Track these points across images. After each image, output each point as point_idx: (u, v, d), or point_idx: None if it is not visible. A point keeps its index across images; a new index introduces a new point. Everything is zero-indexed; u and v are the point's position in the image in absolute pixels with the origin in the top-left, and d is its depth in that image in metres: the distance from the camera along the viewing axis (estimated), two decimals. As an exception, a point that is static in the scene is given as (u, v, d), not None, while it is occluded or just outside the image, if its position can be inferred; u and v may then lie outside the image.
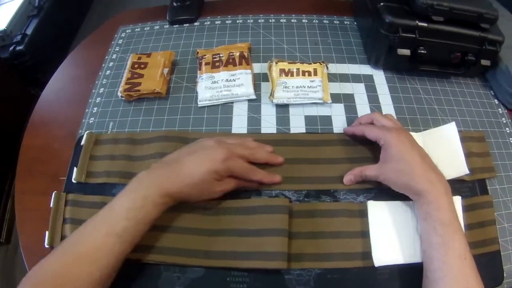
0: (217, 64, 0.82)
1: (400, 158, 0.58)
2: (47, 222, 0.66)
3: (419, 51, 0.76)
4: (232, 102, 0.79)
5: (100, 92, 0.86)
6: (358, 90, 0.80)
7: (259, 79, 0.82)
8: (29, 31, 2.09)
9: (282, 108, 0.77)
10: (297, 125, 0.74)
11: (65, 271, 0.49)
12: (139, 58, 0.87)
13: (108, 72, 0.90)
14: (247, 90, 0.78)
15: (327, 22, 0.95)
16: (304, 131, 0.74)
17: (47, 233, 0.65)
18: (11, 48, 1.99)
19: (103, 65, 0.92)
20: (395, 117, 0.74)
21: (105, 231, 0.51)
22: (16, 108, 1.93)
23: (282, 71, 0.80)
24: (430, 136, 0.70)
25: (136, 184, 0.56)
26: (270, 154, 0.69)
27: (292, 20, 0.95)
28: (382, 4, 0.77)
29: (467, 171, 0.66)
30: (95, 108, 0.83)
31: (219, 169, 0.58)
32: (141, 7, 1.11)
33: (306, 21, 0.95)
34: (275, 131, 0.74)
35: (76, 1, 2.72)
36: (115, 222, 0.52)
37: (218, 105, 0.79)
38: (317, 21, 0.95)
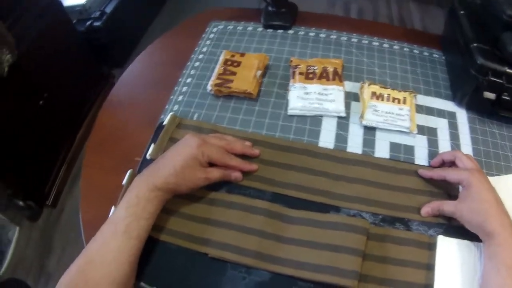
0: (310, 75, 0.85)
1: (478, 198, 0.60)
2: (110, 199, 0.68)
3: (503, 97, 0.77)
4: (322, 116, 0.81)
5: (187, 81, 0.89)
6: (441, 125, 0.81)
7: (349, 98, 0.84)
8: (108, 10, 2.14)
9: (369, 131, 0.79)
10: (381, 150, 0.76)
11: (82, 277, 0.53)
12: (233, 56, 0.90)
13: (197, 63, 0.93)
14: (338, 106, 0.80)
15: (417, 52, 0.96)
16: (387, 156, 0.75)
17: (113, 208, 0.68)
18: (88, 23, 2.05)
19: (193, 56, 0.95)
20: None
21: (111, 232, 0.56)
22: (85, 82, 2.01)
23: (373, 94, 0.82)
24: (501, 182, 0.71)
25: (130, 188, 0.61)
26: (246, 145, 0.74)
27: (384, 45, 0.97)
28: (475, 45, 0.78)
29: None
30: (181, 97, 0.85)
31: (195, 154, 0.63)
32: (225, 4, 1.13)
33: (398, 48, 0.97)
34: (360, 152, 0.76)
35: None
36: (118, 223, 0.56)
37: (307, 116, 0.81)
38: (407, 50, 0.96)
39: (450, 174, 0.67)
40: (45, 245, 1.75)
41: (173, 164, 0.62)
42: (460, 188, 0.66)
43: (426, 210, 0.68)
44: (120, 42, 2.25)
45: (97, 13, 2.10)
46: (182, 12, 2.67)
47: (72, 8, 2.03)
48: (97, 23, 2.06)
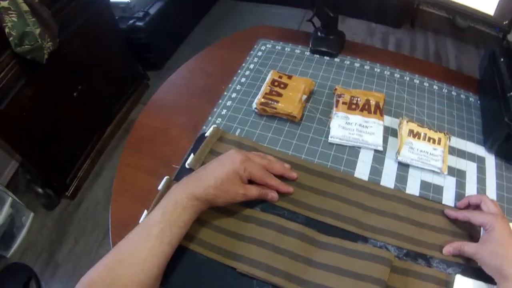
0: (353, 106, 0.89)
1: (499, 242, 0.64)
2: (142, 201, 0.70)
3: None
4: (360, 148, 0.85)
5: (232, 96, 0.93)
6: (470, 169, 0.84)
7: (386, 133, 0.88)
8: (151, 11, 2.18)
9: (403, 167, 0.83)
10: (412, 187, 0.80)
11: (110, 273, 0.56)
12: (280, 77, 0.93)
13: (243, 79, 0.97)
14: (377, 140, 0.84)
15: (455, 94, 0.99)
16: (417, 194, 0.79)
17: (145, 212, 0.70)
18: (130, 22, 2.09)
19: (239, 71, 0.99)
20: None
21: (145, 234, 0.59)
22: (119, 80, 2.04)
23: (411, 131, 0.85)
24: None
25: (168, 194, 0.64)
26: (285, 168, 0.77)
27: (425, 84, 1.00)
28: (512, 93, 0.82)
29: None
30: (224, 110, 0.89)
31: (238, 169, 0.66)
32: (264, 23, 1.16)
33: (437, 88, 1.00)
34: (392, 187, 0.79)
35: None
36: (152, 226, 0.59)
37: (347, 146, 0.85)
38: (446, 91, 1.00)
39: (474, 217, 0.70)
40: (58, 234, 1.79)
41: (215, 176, 0.65)
42: (482, 231, 0.70)
43: (448, 249, 0.71)
44: (159, 45, 2.28)
45: (141, 13, 2.14)
46: (223, 24, 2.72)
47: (117, 4, 2.08)
48: (139, 23, 2.11)
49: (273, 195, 0.73)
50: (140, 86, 2.18)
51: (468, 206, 0.76)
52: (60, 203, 1.87)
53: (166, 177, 0.74)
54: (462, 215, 0.73)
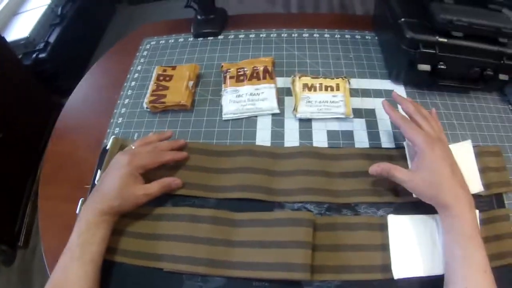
0: (241, 78, 0.85)
1: (432, 170, 0.60)
2: (69, 228, 0.67)
3: (439, 66, 0.77)
4: (256, 116, 0.81)
5: (125, 103, 0.88)
6: (379, 105, 0.79)
7: (282, 94, 0.84)
8: (51, 39, 2.14)
9: (305, 123, 0.79)
10: (319, 140, 0.76)
11: None
12: (164, 71, 0.89)
13: (133, 83, 0.93)
14: (271, 104, 0.80)
15: (349, 37, 0.96)
16: (326, 145, 0.75)
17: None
18: (33, 56, 2.04)
19: (128, 76, 0.95)
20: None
21: (68, 259, 0.58)
22: (37, 114, 1.98)
23: (305, 86, 0.82)
24: (453, 151, 0.71)
25: (80, 215, 0.62)
26: (171, 142, 0.75)
27: (315, 35, 0.97)
28: (402, 19, 0.79)
29: (482, 189, 0.67)
30: (120, 119, 0.85)
31: (128, 171, 0.65)
32: (163, 19, 1.13)
33: (328, 35, 0.97)
34: (298, 145, 0.76)
35: (99, 11, 2.77)
36: (73, 250, 0.58)
37: (242, 118, 0.81)
38: (339, 36, 0.97)
39: (405, 128, 0.65)
40: (24, 285, 1.74)
41: (112, 187, 0.63)
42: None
43: (374, 168, 0.66)
44: (67, 70, 2.23)
45: (42, 44, 2.09)
46: (126, 31, 2.65)
47: (17, 42, 2.03)
48: (42, 55, 2.06)
49: (176, 183, 0.70)
50: (58, 115, 2.12)
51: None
52: (16, 255, 1.81)
53: (81, 199, 0.72)
54: (395, 119, 0.68)
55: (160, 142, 0.74)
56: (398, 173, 0.63)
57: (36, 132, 1.98)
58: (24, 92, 1.89)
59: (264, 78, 0.84)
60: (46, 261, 0.68)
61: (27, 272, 1.76)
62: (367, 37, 0.97)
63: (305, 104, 0.79)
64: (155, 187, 0.67)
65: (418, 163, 0.62)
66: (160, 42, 1.02)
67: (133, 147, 0.71)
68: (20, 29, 2.11)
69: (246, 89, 0.83)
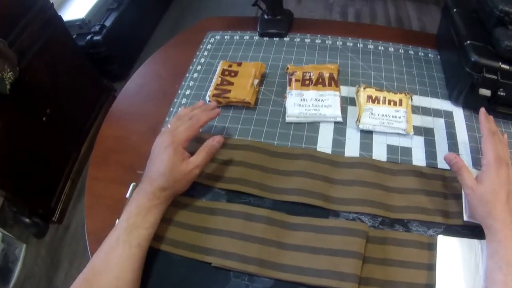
0: (307, 82, 0.86)
1: (491, 189, 0.60)
2: (115, 210, 0.70)
3: (499, 92, 0.77)
4: (319, 122, 0.82)
5: (186, 93, 0.90)
6: (438, 125, 0.81)
7: (345, 103, 0.85)
8: (107, 23, 2.19)
9: (366, 134, 0.80)
10: (379, 153, 0.77)
11: (87, 286, 0.56)
12: (230, 66, 0.91)
13: (195, 75, 0.95)
14: (335, 112, 0.82)
15: (412, 53, 0.97)
16: (385, 159, 0.76)
17: (117, 221, 0.69)
18: (88, 37, 2.09)
19: (191, 67, 0.97)
20: (470, 155, 0.76)
21: (113, 242, 0.58)
22: (86, 96, 2.03)
23: (369, 97, 0.83)
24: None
25: (131, 200, 0.63)
26: (202, 106, 0.76)
27: (379, 47, 0.98)
28: (469, 42, 0.78)
29: None
30: (180, 108, 0.86)
31: (173, 150, 0.65)
32: (221, 14, 1.15)
33: (393, 49, 0.98)
34: (357, 155, 0.77)
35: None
36: (120, 233, 0.59)
37: (305, 123, 0.82)
38: (403, 51, 0.97)
39: (488, 139, 0.65)
40: (52, 260, 1.77)
41: (162, 170, 0.64)
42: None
43: (450, 156, 0.67)
44: (120, 55, 2.28)
45: (97, 27, 2.14)
46: (181, 22, 2.71)
47: (72, 22, 2.08)
48: (97, 37, 2.10)
49: (217, 140, 0.71)
50: (108, 99, 2.17)
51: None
52: (49, 229, 1.86)
53: (132, 184, 0.74)
54: (484, 125, 0.68)
55: (192, 112, 0.75)
56: (467, 175, 0.64)
57: (83, 113, 2.03)
58: (76, 72, 1.93)
59: (330, 85, 0.85)
60: (88, 241, 0.70)
61: (57, 248, 1.80)
62: (430, 55, 0.97)
63: (368, 115, 0.80)
64: (201, 155, 0.68)
65: (482, 177, 0.63)
66: (225, 37, 1.04)
67: (169, 126, 0.71)
68: (77, 10, 2.16)
69: (311, 93, 0.84)
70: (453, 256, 0.64)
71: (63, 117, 1.84)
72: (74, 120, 1.97)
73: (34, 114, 1.66)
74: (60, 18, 1.82)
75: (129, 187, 0.73)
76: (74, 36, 1.98)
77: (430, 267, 0.63)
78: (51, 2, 1.74)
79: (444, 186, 0.71)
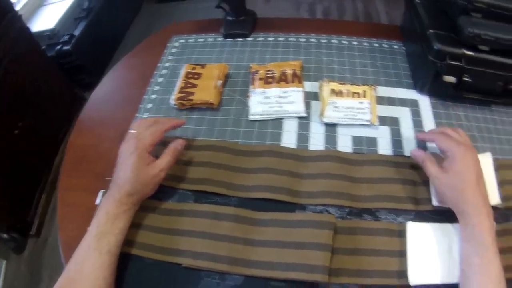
0: (269, 80, 0.86)
1: (458, 174, 0.61)
2: (88, 219, 0.68)
3: (464, 79, 0.78)
4: (282, 118, 0.82)
5: (151, 98, 0.90)
6: (404, 114, 0.82)
7: (309, 98, 0.85)
8: (76, 32, 2.18)
9: (331, 128, 0.80)
10: (344, 145, 0.77)
11: None
12: (193, 69, 0.91)
13: (160, 79, 0.95)
14: (298, 107, 0.82)
15: (377, 45, 0.97)
16: (350, 151, 0.76)
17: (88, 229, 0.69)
18: (57, 47, 2.08)
19: (156, 72, 0.97)
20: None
21: (85, 250, 0.59)
22: (58, 106, 2.00)
23: (332, 91, 0.83)
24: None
25: (99, 207, 0.64)
26: (170, 119, 0.77)
27: (343, 42, 0.98)
28: (431, 31, 0.79)
29: (499, 201, 0.68)
30: (146, 114, 0.87)
31: (138, 156, 0.65)
32: (188, 19, 1.15)
33: (357, 43, 0.98)
34: (322, 149, 0.77)
35: (124, 7, 2.81)
36: (90, 240, 0.59)
37: (269, 120, 0.82)
38: (367, 44, 0.98)
39: (439, 140, 0.67)
40: (33, 275, 1.75)
41: (127, 176, 0.64)
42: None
43: (415, 151, 0.70)
44: (91, 64, 2.27)
45: (66, 37, 2.13)
46: (151, 29, 2.71)
47: (42, 33, 2.07)
48: (66, 47, 2.10)
49: (180, 143, 0.72)
50: (80, 109, 2.13)
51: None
52: (27, 243, 1.83)
53: (101, 191, 0.74)
54: (431, 137, 0.70)
55: (158, 118, 0.76)
56: (431, 166, 0.65)
57: (56, 123, 2.01)
58: (46, 83, 1.91)
59: (293, 81, 0.85)
60: (62, 251, 0.70)
61: (36, 262, 1.77)
62: (394, 46, 0.97)
63: (331, 109, 0.80)
64: (166, 159, 0.68)
65: (448, 165, 0.63)
66: (189, 40, 1.04)
67: (133, 131, 0.71)
68: (45, 21, 2.16)
69: (274, 91, 0.84)
70: (424, 241, 0.64)
71: (35, 130, 1.82)
72: (47, 132, 1.95)
73: (5, 128, 1.64)
74: (28, 29, 1.81)
75: (98, 194, 0.73)
76: (43, 47, 1.98)
77: (402, 254, 0.63)
78: (19, 14, 1.73)
79: (411, 173, 0.72)
